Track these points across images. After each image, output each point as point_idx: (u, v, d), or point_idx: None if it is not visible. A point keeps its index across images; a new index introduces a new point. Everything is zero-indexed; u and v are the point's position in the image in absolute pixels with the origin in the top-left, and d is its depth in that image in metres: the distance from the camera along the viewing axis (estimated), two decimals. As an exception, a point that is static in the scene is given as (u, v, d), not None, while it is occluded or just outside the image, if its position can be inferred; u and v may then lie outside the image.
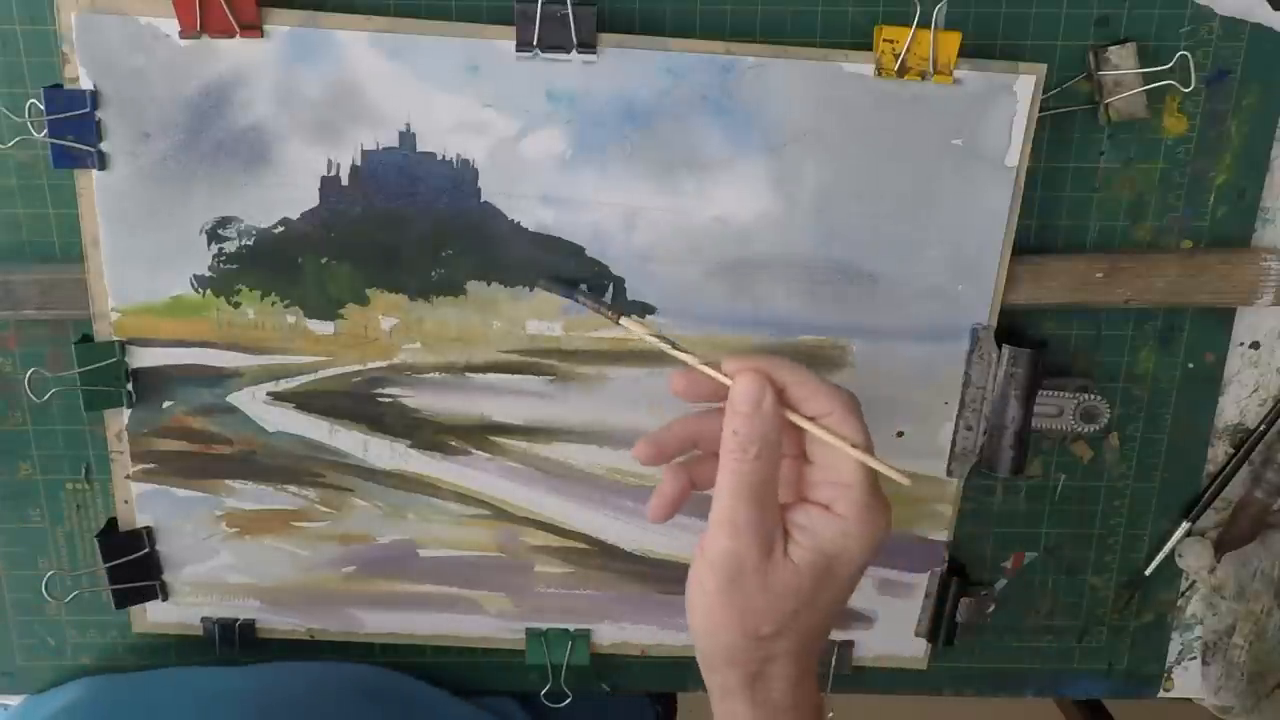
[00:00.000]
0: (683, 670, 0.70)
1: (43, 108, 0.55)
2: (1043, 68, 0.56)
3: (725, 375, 0.47)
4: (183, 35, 0.55)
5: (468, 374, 0.62)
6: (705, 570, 0.47)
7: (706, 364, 0.48)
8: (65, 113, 0.55)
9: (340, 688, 0.66)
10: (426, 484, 0.64)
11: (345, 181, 0.58)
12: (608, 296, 0.60)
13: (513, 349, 0.61)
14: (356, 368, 0.61)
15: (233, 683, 0.64)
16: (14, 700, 0.69)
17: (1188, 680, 0.73)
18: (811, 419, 0.47)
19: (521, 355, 0.61)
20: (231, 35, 0.55)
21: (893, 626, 0.69)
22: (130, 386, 0.61)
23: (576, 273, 0.59)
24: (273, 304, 0.60)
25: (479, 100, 0.56)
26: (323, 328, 0.61)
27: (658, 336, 0.51)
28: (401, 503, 0.64)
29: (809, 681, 0.49)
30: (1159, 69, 0.57)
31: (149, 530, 0.64)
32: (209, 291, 0.59)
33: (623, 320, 0.54)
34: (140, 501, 0.63)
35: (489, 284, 0.60)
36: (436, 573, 0.66)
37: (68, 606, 0.67)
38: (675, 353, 0.50)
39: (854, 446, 0.46)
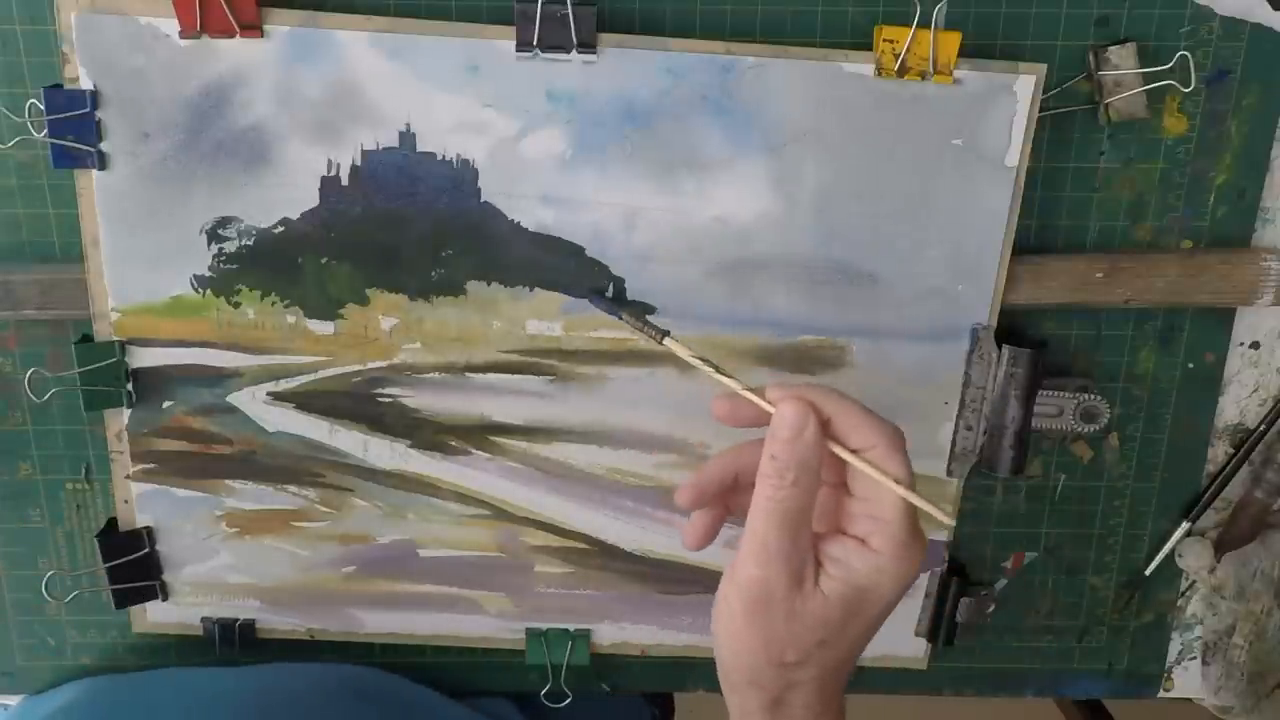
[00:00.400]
0: (682, 670, 0.70)
1: (43, 108, 0.55)
2: (1043, 68, 0.56)
3: (769, 402, 0.47)
4: (183, 35, 0.55)
5: (468, 374, 0.62)
6: (734, 593, 0.46)
7: (750, 390, 0.48)
8: (65, 113, 0.55)
9: (337, 689, 0.66)
10: (426, 484, 0.64)
11: (345, 181, 0.58)
12: (608, 296, 0.60)
13: (513, 349, 0.61)
14: (356, 368, 0.61)
15: (230, 684, 0.64)
16: (14, 700, 0.69)
17: (1188, 680, 0.73)
18: (855, 451, 0.46)
19: (521, 355, 0.61)
20: (231, 35, 0.55)
21: (893, 626, 0.68)
22: (130, 386, 0.61)
23: (576, 272, 0.59)
24: (273, 304, 0.60)
25: (479, 100, 0.56)
26: (323, 328, 0.61)
27: (702, 359, 0.51)
28: (401, 503, 0.64)
29: (832, 713, 0.48)
30: (1159, 69, 0.57)
31: (149, 530, 0.64)
32: (209, 291, 0.60)
33: (667, 341, 0.53)
34: (140, 501, 0.63)
35: (489, 284, 0.60)
36: (436, 573, 0.66)
37: (68, 606, 0.67)
38: (719, 377, 0.50)
39: (898, 483, 0.45)
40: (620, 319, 0.57)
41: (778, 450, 0.45)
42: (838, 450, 0.46)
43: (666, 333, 0.54)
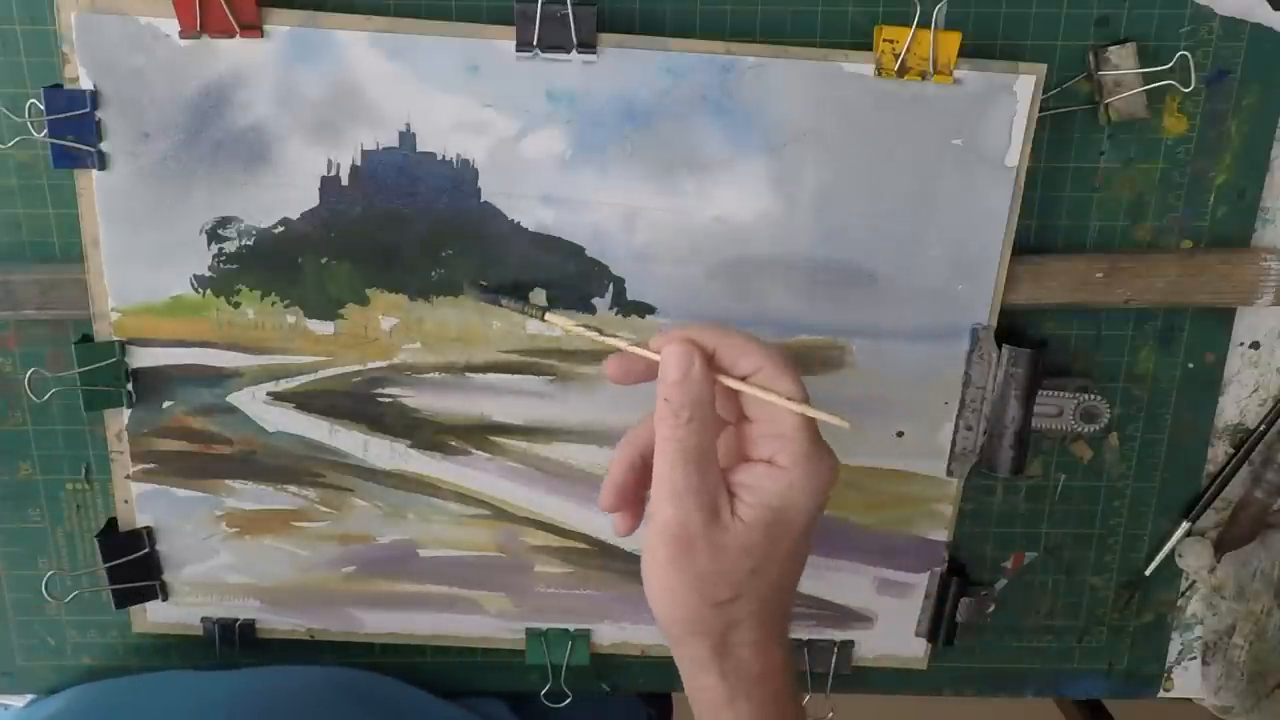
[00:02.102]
0: (683, 670, 0.70)
1: (43, 108, 0.55)
2: (1043, 68, 0.56)
3: (654, 351, 0.47)
4: (183, 35, 0.55)
5: (468, 374, 0.62)
6: (654, 542, 0.46)
7: (636, 345, 0.49)
8: (65, 113, 0.55)
9: (331, 691, 0.65)
10: (426, 484, 0.64)
11: (345, 181, 0.58)
12: (608, 296, 0.60)
13: (513, 349, 0.61)
14: (356, 368, 0.61)
15: (224, 687, 0.64)
16: (14, 700, 0.69)
17: (1188, 680, 0.73)
18: (744, 378, 0.47)
19: (521, 355, 0.61)
20: (231, 35, 0.55)
21: (893, 626, 0.69)
22: (130, 386, 0.61)
23: (576, 273, 0.60)
24: (273, 304, 0.60)
25: (479, 100, 0.56)
26: (323, 328, 0.61)
27: (585, 326, 0.52)
28: (401, 503, 0.64)
29: (777, 647, 0.48)
30: (1159, 69, 0.57)
31: (149, 530, 0.64)
32: (209, 291, 0.60)
33: (549, 316, 0.54)
34: (140, 501, 0.63)
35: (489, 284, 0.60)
36: (436, 573, 0.66)
37: (68, 606, 0.67)
38: (604, 339, 0.51)
39: (789, 399, 0.46)
40: (501, 305, 0.58)
41: (668, 392, 0.46)
42: (726, 381, 0.47)
43: (546, 308, 0.55)
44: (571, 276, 0.60)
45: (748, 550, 0.46)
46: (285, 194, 0.58)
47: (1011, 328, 0.62)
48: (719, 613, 0.46)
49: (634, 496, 0.51)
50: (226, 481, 0.64)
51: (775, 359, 0.46)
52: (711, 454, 0.46)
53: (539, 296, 0.60)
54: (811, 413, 0.46)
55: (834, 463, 0.47)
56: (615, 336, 0.50)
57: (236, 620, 0.67)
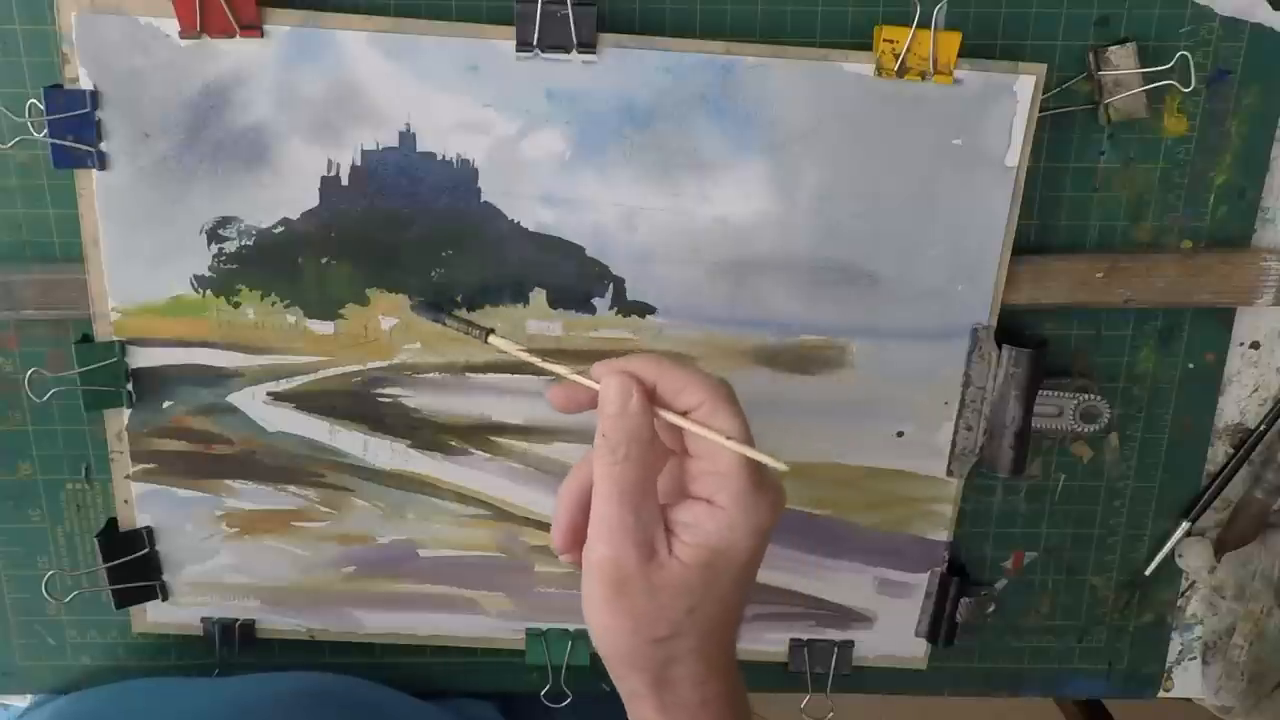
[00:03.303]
0: (683, 670, 0.70)
1: (43, 108, 0.55)
2: (1043, 68, 0.56)
3: (595, 381, 0.46)
4: (183, 35, 0.55)
5: (468, 374, 0.62)
6: (590, 580, 0.45)
7: (576, 373, 0.48)
8: (65, 113, 0.55)
9: (307, 699, 0.64)
10: (426, 484, 0.64)
11: (345, 181, 0.58)
12: (608, 296, 0.60)
13: (566, 366, 0.61)
14: (356, 368, 0.61)
15: (204, 696, 0.64)
16: (14, 700, 0.69)
17: (1188, 680, 0.73)
18: (685, 413, 0.46)
19: (575, 371, 0.61)
20: (231, 35, 0.55)
21: (893, 626, 0.69)
22: (130, 386, 0.61)
23: (576, 273, 0.60)
24: (273, 304, 0.60)
25: (479, 100, 0.56)
26: (323, 328, 0.61)
27: (527, 351, 0.51)
28: (401, 503, 0.64)
29: (721, 677, 0.47)
30: (1159, 69, 0.57)
31: (149, 530, 0.64)
32: (209, 291, 0.60)
33: (492, 339, 0.53)
34: (140, 501, 0.63)
35: (489, 284, 0.60)
36: (436, 573, 0.66)
37: (68, 606, 0.67)
38: (545, 365, 0.49)
39: (728, 438, 0.44)
40: (444, 324, 0.57)
41: (606, 427, 0.45)
42: (665, 415, 0.46)
43: (491, 330, 0.53)
44: (571, 276, 0.60)
45: (685, 589, 0.45)
46: (285, 194, 0.58)
47: (1011, 328, 0.62)
48: (657, 649, 0.46)
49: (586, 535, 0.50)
50: (226, 481, 0.64)
51: (716, 394, 0.45)
52: (649, 491, 0.45)
53: (539, 297, 0.60)
54: (749, 453, 0.45)
55: (776, 499, 0.46)
56: (556, 364, 0.49)
57: (236, 620, 0.67)
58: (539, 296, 0.60)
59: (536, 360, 0.50)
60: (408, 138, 0.57)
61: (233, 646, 0.67)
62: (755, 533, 0.46)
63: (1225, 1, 0.58)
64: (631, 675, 0.47)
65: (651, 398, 0.46)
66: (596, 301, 0.60)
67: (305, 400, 0.62)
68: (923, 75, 0.56)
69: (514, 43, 0.55)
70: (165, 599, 0.66)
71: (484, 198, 0.58)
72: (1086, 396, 0.63)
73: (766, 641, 0.69)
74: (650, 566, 0.45)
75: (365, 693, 0.66)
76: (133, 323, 0.60)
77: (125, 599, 0.65)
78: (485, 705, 0.71)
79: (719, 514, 0.45)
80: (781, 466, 0.45)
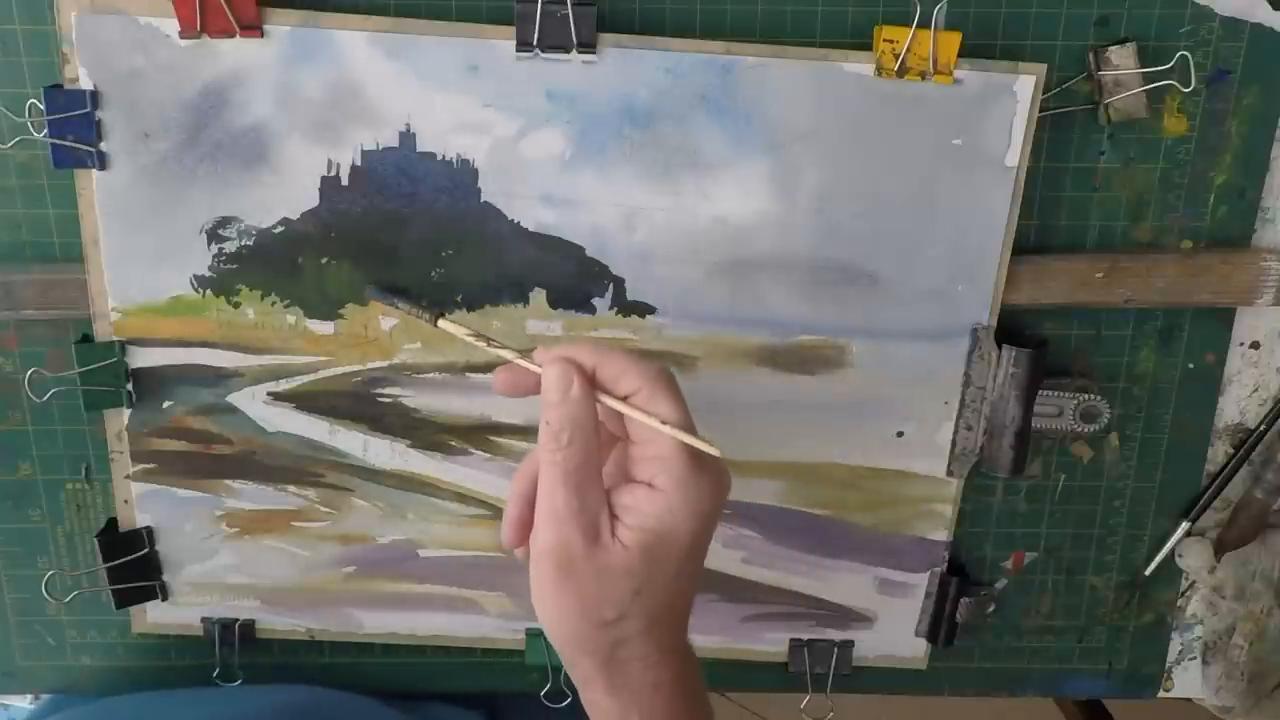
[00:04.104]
0: (683, 670, 0.70)
1: (43, 108, 0.55)
2: (1043, 68, 0.56)
3: (538, 366, 0.47)
4: (183, 35, 0.55)
5: (468, 374, 0.62)
6: (537, 564, 0.46)
7: (521, 358, 0.48)
8: (65, 113, 0.55)
9: (288, 715, 0.64)
10: (426, 484, 0.64)
11: (345, 181, 0.58)
12: (608, 296, 0.60)
13: (512, 349, 0.61)
14: (356, 368, 0.61)
15: (185, 715, 0.64)
16: (14, 700, 0.69)
17: (1188, 680, 0.73)
18: (624, 398, 0.46)
19: (521, 355, 0.61)
20: (231, 35, 0.55)
21: (893, 626, 0.69)
22: (130, 386, 0.61)
23: (576, 273, 0.60)
24: (273, 304, 0.60)
25: (479, 100, 0.56)
26: (323, 328, 0.61)
27: (474, 335, 0.51)
28: (401, 503, 0.64)
29: (672, 661, 0.48)
30: (1159, 69, 0.57)
31: (149, 530, 0.64)
32: (209, 291, 0.60)
33: (441, 323, 0.53)
34: (140, 501, 0.63)
35: (489, 284, 0.60)
36: (436, 573, 0.66)
37: (68, 606, 0.67)
38: (491, 349, 0.50)
39: (665, 423, 0.45)
40: (395, 306, 0.57)
41: (549, 414, 0.45)
42: (607, 401, 0.46)
43: (441, 314, 0.53)
44: (571, 276, 0.60)
45: (629, 572, 0.45)
46: (285, 194, 0.58)
47: (1011, 328, 0.62)
48: (605, 632, 0.46)
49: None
50: (226, 481, 0.64)
51: (654, 380, 0.46)
52: (594, 475, 0.46)
53: (539, 297, 0.60)
54: (683, 438, 0.45)
55: (717, 483, 0.47)
56: (504, 347, 0.50)
57: (236, 620, 0.67)
58: (539, 296, 0.60)
59: (483, 344, 0.50)
60: (408, 138, 0.57)
61: (233, 646, 0.67)
62: (696, 515, 0.46)
63: (1225, 1, 0.58)
64: (581, 659, 0.47)
65: (593, 383, 0.46)
66: (596, 301, 0.60)
67: (305, 400, 0.62)
68: (923, 75, 0.56)
69: (514, 43, 0.55)
70: (165, 599, 0.66)
71: (484, 198, 0.58)
72: (1086, 396, 0.63)
73: (766, 641, 0.69)
74: (595, 549, 0.45)
75: (354, 707, 0.66)
76: (133, 323, 0.60)
77: (125, 599, 0.65)
78: (473, 716, 0.71)
79: (659, 497, 0.46)
80: (714, 451, 0.45)
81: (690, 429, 0.46)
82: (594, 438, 0.46)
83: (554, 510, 0.45)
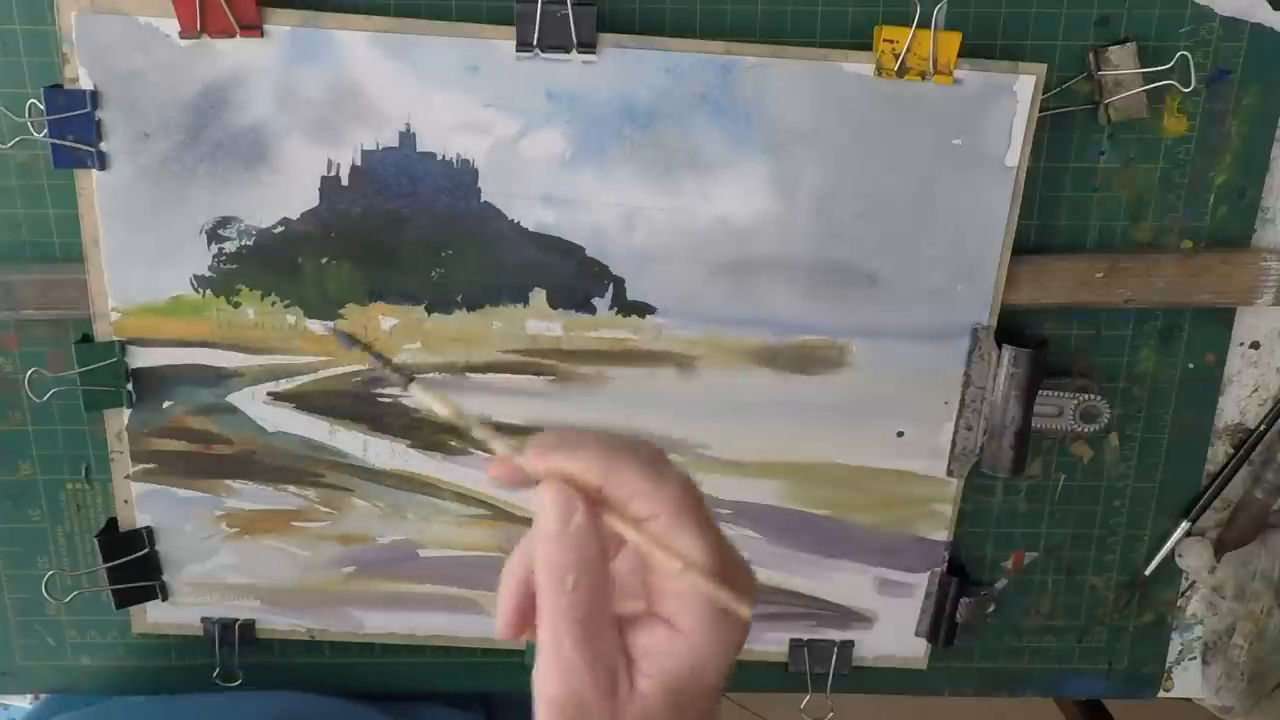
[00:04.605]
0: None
1: (43, 108, 0.55)
2: (1043, 68, 0.56)
3: (531, 456, 0.39)
4: (183, 35, 0.55)
5: (468, 374, 0.62)
6: (546, 714, 0.39)
7: (514, 449, 0.39)
8: (65, 113, 0.55)
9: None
10: (426, 484, 0.64)
11: (345, 181, 0.58)
12: (608, 296, 0.60)
13: (513, 349, 0.61)
14: (356, 368, 0.61)
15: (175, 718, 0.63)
16: (14, 700, 0.69)
17: (1188, 680, 0.73)
18: (640, 519, 0.38)
19: (521, 355, 0.61)
20: (231, 35, 0.55)
21: (893, 626, 0.69)
22: (130, 386, 0.61)
23: (576, 273, 0.59)
24: (273, 304, 0.60)
25: (479, 100, 0.56)
26: (323, 328, 0.61)
27: (462, 417, 0.41)
28: (401, 503, 0.64)
29: None
30: (1159, 69, 0.57)
31: (149, 530, 0.64)
32: (209, 291, 0.60)
33: (412, 388, 0.41)
34: (140, 501, 0.63)
35: (489, 284, 0.60)
36: (436, 573, 0.66)
37: (68, 606, 0.67)
38: (477, 434, 0.40)
39: (688, 564, 0.37)
40: (364, 351, 0.46)
41: (549, 550, 0.38)
42: (617, 525, 0.38)
43: (412, 378, 0.42)
44: (571, 276, 0.60)
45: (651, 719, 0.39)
46: (285, 194, 0.58)
47: (1011, 328, 0.62)
48: None
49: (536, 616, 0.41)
50: (226, 481, 0.64)
51: (674, 506, 0.38)
52: (605, 617, 0.39)
53: (539, 297, 0.60)
54: (708, 589, 0.37)
55: (744, 618, 0.39)
56: (496, 437, 0.40)
57: (236, 620, 0.67)
58: (539, 296, 0.60)
59: (459, 422, 0.41)
60: (408, 138, 0.57)
61: (233, 646, 0.67)
62: (722, 655, 0.40)
63: (1225, 1, 0.58)
64: None
65: (598, 499, 0.38)
66: (596, 301, 0.60)
67: (305, 400, 0.62)
68: (923, 75, 0.56)
69: (514, 43, 0.55)
70: (165, 599, 0.66)
71: (484, 198, 0.58)
72: (1086, 396, 0.63)
73: (766, 641, 0.69)
74: (612, 702, 0.39)
75: (350, 714, 0.66)
76: (133, 323, 0.60)
77: (125, 599, 0.65)
78: (470, 717, 0.70)
79: (681, 641, 0.39)
80: (744, 612, 0.38)
81: (719, 567, 0.38)
82: (603, 575, 0.38)
83: (564, 663, 0.38)
